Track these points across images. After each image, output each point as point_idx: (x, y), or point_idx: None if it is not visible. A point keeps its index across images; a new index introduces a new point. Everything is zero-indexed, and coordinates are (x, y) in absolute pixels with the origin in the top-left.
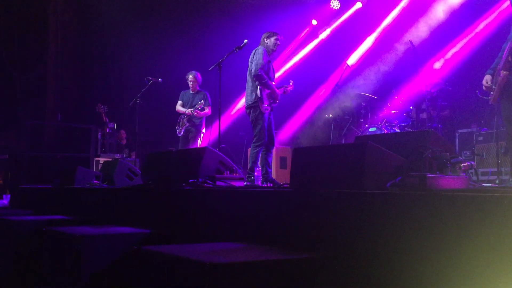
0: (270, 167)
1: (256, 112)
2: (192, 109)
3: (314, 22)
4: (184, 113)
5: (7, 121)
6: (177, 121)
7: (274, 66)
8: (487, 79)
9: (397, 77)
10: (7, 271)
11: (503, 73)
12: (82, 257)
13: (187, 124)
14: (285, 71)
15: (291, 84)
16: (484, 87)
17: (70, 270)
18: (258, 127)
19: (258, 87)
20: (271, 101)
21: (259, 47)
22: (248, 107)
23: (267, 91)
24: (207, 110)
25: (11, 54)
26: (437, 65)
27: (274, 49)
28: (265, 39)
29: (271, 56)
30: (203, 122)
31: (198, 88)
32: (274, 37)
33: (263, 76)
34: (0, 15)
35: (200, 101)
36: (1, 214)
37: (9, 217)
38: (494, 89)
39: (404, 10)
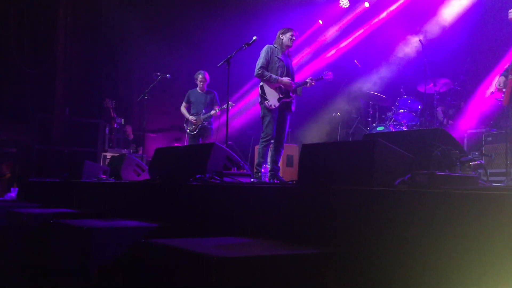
0: (277, 165)
1: (263, 109)
2: (214, 111)
3: (320, 22)
4: (193, 120)
5: (16, 114)
6: (186, 119)
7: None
8: (500, 81)
9: (405, 76)
10: (15, 262)
11: (510, 77)
12: (91, 249)
13: (205, 123)
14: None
15: (325, 73)
16: (497, 89)
17: (78, 262)
18: (265, 123)
19: (260, 84)
20: (281, 96)
21: (266, 45)
22: (259, 104)
23: (274, 85)
24: (218, 110)
25: (20, 48)
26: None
27: (290, 44)
28: (280, 35)
29: (288, 51)
30: (212, 119)
31: (206, 87)
32: (290, 33)
33: (263, 74)
34: (10, 9)
35: (216, 102)
36: (10, 207)
37: (18, 209)
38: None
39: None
